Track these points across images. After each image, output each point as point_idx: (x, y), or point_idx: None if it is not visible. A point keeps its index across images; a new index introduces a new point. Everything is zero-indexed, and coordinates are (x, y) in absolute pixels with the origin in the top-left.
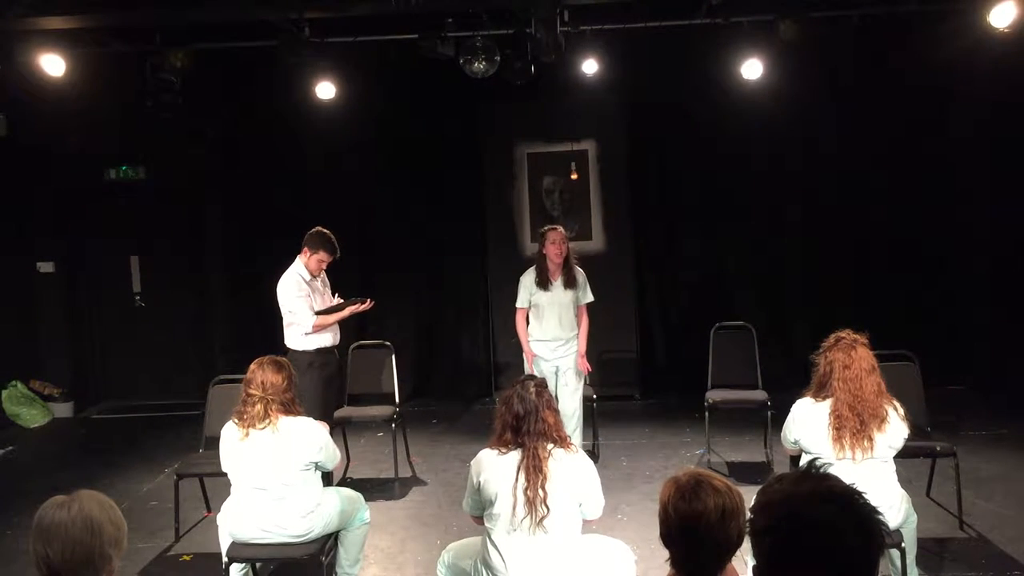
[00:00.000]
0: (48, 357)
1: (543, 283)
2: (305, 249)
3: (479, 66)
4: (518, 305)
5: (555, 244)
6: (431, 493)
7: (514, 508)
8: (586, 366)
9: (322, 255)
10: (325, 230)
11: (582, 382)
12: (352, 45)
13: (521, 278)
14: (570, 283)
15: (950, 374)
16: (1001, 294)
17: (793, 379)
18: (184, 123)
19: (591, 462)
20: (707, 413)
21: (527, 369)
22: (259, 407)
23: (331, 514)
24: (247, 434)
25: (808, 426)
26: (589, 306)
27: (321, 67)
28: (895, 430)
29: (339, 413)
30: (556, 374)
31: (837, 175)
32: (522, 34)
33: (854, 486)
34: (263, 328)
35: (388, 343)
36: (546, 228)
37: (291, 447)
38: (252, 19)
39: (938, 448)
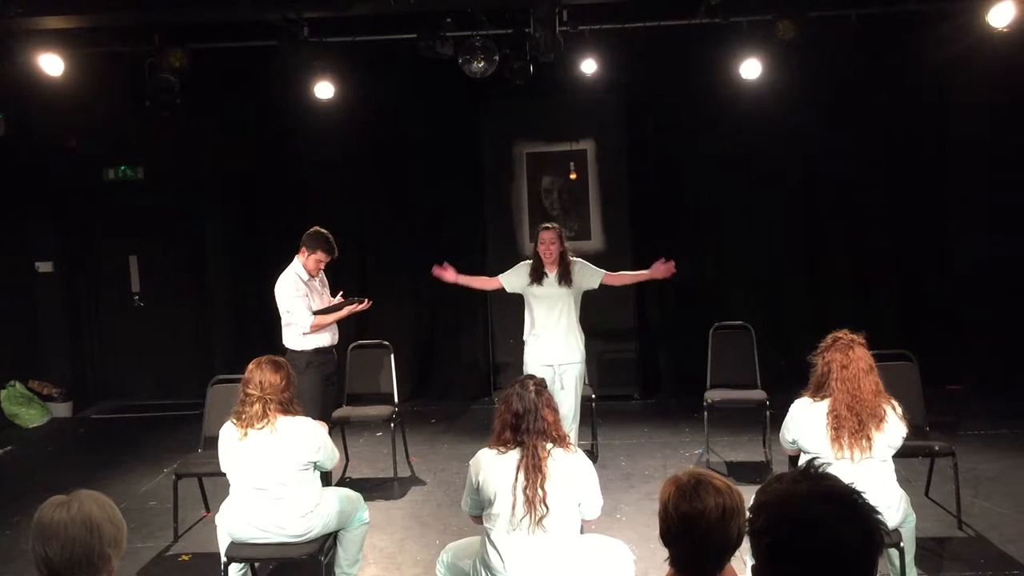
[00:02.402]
0: (47, 357)
1: (537, 277)
2: (303, 249)
3: (478, 66)
4: (499, 277)
5: (544, 244)
6: (430, 493)
7: (513, 507)
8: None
9: (320, 255)
10: (323, 230)
11: (580, 385)
12: (351, 45)
13: (520, 262)
14: (565, 280)
15: (949, 374)
16: (1001, 294)
17: (792, 379)
18: (183, 123)
19: (590, 462)
20: (706, 413)
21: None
22: (257, 407)
23: (330, 514)
24: (245, 434)
25: (806, 426)
26: (601, 287)
27: (320, 67)
28: (893, 429)
29: (338, 413)
30: (553, 375)
31: (836, 175)
32: (521, 34)
33: (853, 486)
34: (262, 328)
35: (387, 343)
36: (541, 227)
37: (290, 447)
38: (251, 19)
39: (937, 448)
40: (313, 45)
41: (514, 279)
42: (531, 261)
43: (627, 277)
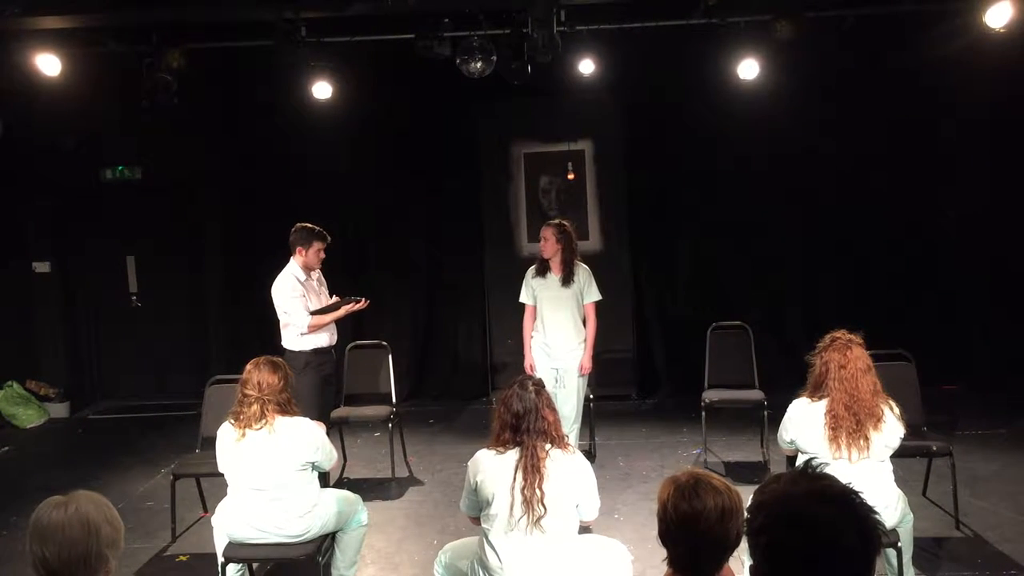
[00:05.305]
0: (44, 357)
1: (542, 271)
2: (299, 249)
3: (476, 66)
4: (521, 300)
5: (541, 241)
6: (428, 493)
7: (511, 508)
8: (587, 368)
9: (318, 245)
10: (305, 223)
11: (582, 385)
12: (349, 45)
13: (527, 273)
14: (567, 280)
15: (947, 374)
16: (999, 294)
17: (790, 379)
18: (180, 123)
19: (588, 463)
20: (704, 413)
21: (526, 369)
22: (255, 407)
23: (328, 515)
24: (243, 434)
25: (804, 426)
26: (597, 305)
27: (318, 67)
28: (891, 430)
29: (336, 413)
30: (556, 375)
31: (835, 174)
32: (519, 34)
33: (850, 485)
34: (259, 328)
35: (385, 343)
36: (545, 223)
37: (288, 447)
38: (249, 19)
39: (934, 448)
40: (311, 45)
41: (527, 290)
42: (535, 265)
43: (589, 331)
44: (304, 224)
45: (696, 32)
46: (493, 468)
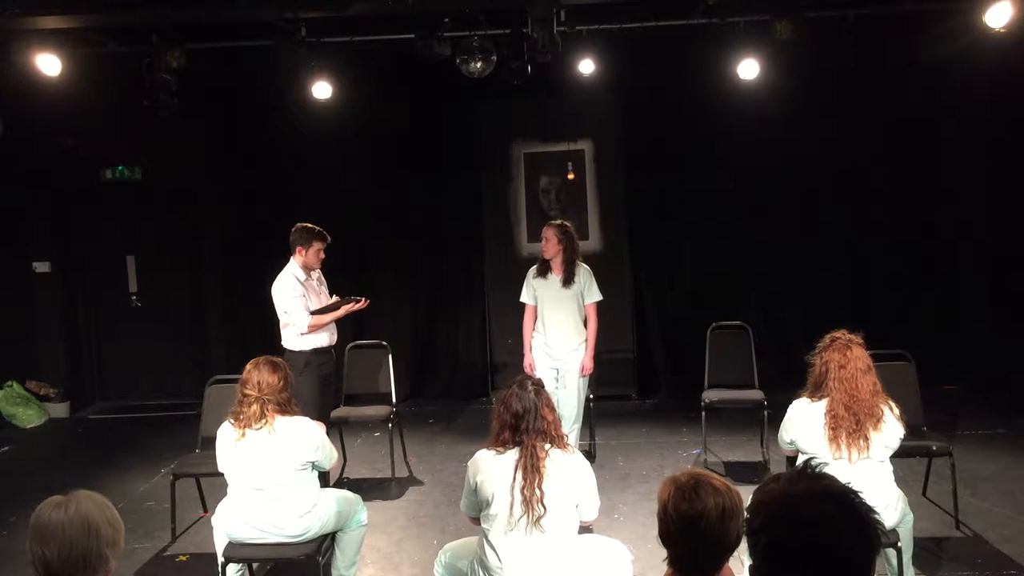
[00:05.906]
0: (44, 357)
1: (542, 271)
2: (298, 249)
3: (476, 66)
4: (522, 300)
5: (542, 242)
6: (428, 493)
7: (511, 508)
8: (588, 368)
9: (318, 245)
10: (306, 223)
11: (583, 386)
12: (349, 45)
13: (528, 273)
14: (568, 280)
15: (947, 374)
16: (999, 294)
17: (790, 379)
18: (180, 123)
19: (588, 464)
20: (703, 413)
21: (526, 369)
22: (255, 407)
23: (328, 515)
24: (243, 434)
25: (804, 426)
26: (598, 305)
27: (318, 67)
28: (891, 430)
29: (335, 413)
30: (556, 375)
31: (835, 174)
32: (519, 34)
33: (850, 485)
34: (259, 328)
35: (384, 343)
36: (547, 224)
37: (287, 447)
38: (249, 19)
39: (934, 448)
40: (311, 45)
41: (529, 289)
42: (536, 265)
43: (590, 331)
44: (304, 224)
45: (696, 32)
46: (493, 468)
